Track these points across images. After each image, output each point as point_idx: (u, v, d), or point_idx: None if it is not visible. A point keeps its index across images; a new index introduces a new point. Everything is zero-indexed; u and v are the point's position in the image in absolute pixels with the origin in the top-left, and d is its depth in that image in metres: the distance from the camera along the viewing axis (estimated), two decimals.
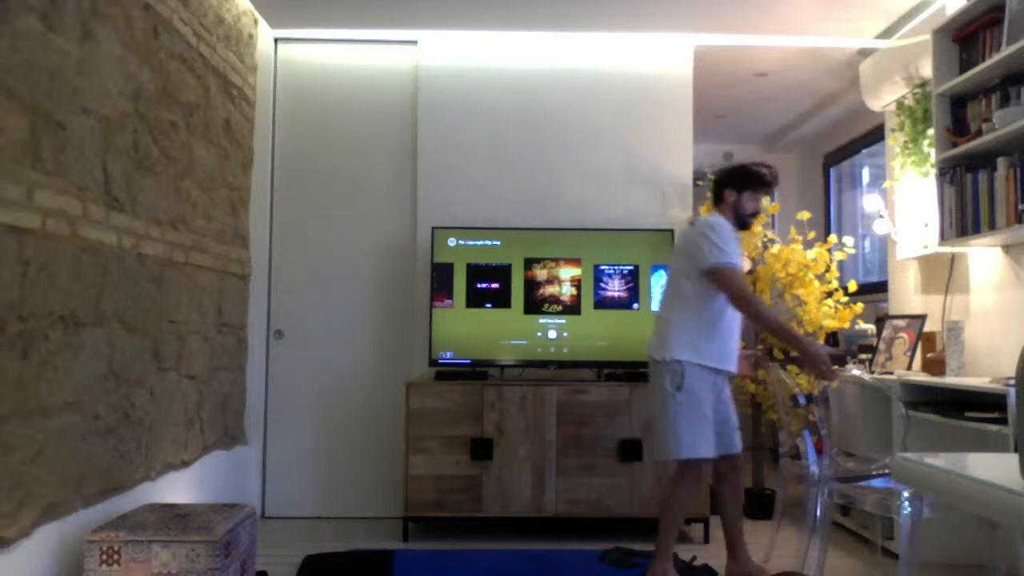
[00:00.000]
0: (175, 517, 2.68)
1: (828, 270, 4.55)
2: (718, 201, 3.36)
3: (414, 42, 4.65)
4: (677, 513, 3.21)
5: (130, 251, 2.90)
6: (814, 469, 3.36)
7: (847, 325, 4.56)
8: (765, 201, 4.66)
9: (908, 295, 4.50)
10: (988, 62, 3.31)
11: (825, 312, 4.47)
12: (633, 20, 4.37)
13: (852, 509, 4.16)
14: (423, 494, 3.97)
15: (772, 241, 4.63)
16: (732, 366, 3.28)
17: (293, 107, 4.67)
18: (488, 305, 4.30)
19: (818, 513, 3.32)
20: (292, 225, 4.63)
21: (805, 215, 4.80)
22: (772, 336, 3.62)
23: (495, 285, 4.31)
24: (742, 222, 3.33)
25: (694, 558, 3.66)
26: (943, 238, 3.64)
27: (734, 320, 3.26)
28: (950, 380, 3.54)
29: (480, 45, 4.65)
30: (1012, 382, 3.04)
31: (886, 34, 4.41)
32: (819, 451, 4.58)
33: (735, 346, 3.29)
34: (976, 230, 3.42)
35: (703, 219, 3.34)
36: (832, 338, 4.96)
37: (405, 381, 4.15)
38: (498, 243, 4.35)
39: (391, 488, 4.42)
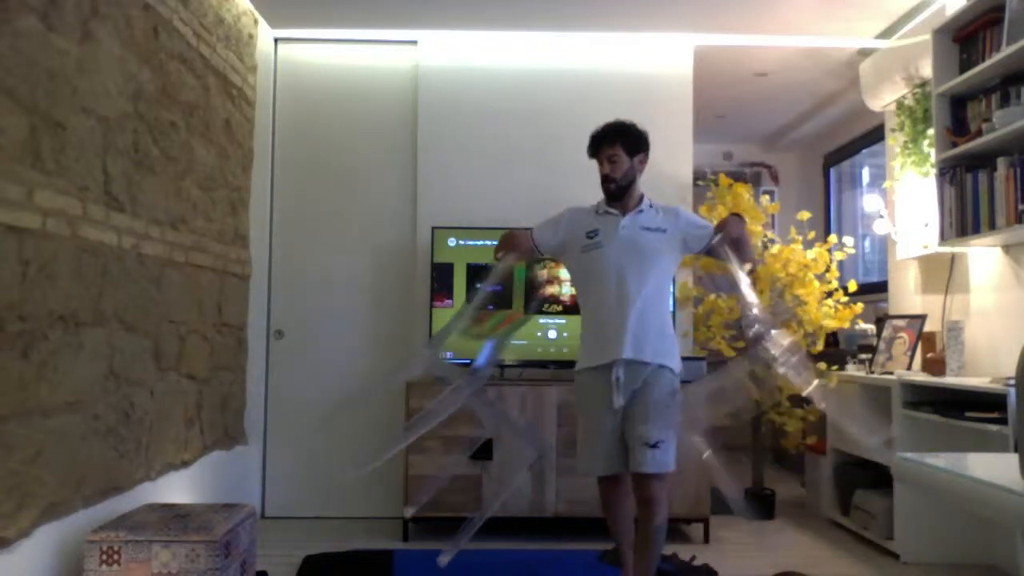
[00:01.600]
0: (175, 517, 2.68)
1: (828, 270, 4.55)
2: None
3: (414, 42, 4.65)
4: (611, 533, 2.98)
5: (130, 251, 2.89)
6: None
7: (847, 325, 4.56)
8: (765, 201, 4.71)
9: (908, 295, 4.50)
10: (988, 62, 3.31)
11: (825, 312, 4.48)
12: (633, 20, 4.37)
13: (852, 509, 4.16)
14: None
15: (772, 241, 4.63)
16: (624, 353, 2.75)
17: (293, 107, 4.67)
18: (488, 306, 4.30)
19: None
20: (292, 225, 4.62)
21: (805, 215, 4.80)
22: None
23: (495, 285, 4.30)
24: (606, 191, 3.03)
25: (693, 558, 3.66)
26: (943, 238, 3.64)
27: (616, 305, 2.80)
28: (950, 380, 3.54)
29: (480, 45, 4.64)
30: (1012, 382, 3.04)
31: (886, 34, 4.41)
32: (821, 451, 4.59)
33: (618, 331, 2.77)
34: (976, 230, 3.43)
35: None
36: (832, 338, 4.96)
37: (405, 381, 4.15)
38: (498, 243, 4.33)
39: (391, 488, 4.41)
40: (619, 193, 2.97)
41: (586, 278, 2.94)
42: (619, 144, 2.99)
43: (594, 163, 4.63)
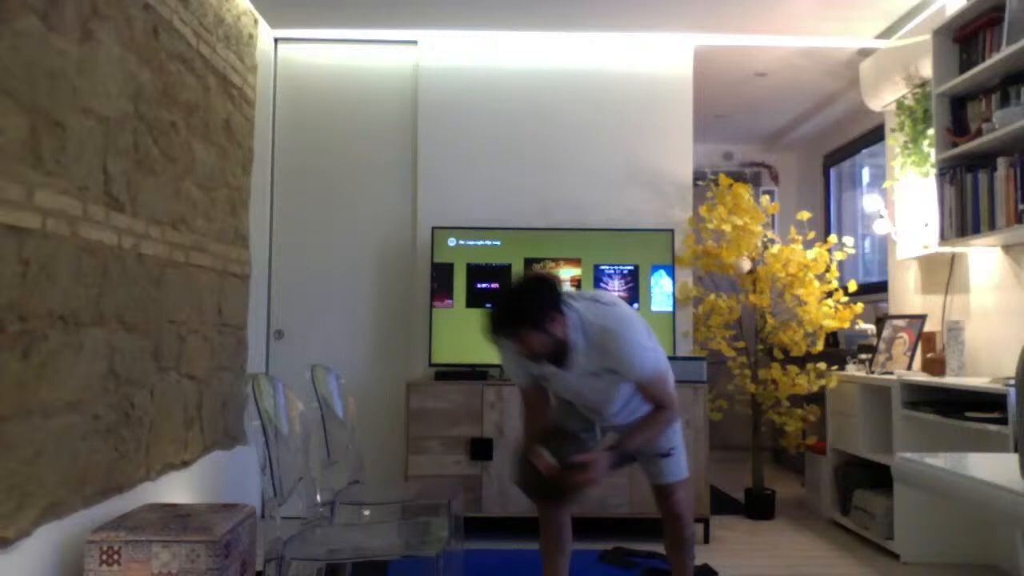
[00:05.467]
0: (175, 517, 2.68)
1: (828, 270, 4.55)
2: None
3: (414, 42, 4.65)
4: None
5: (130, 251, 2.89)
6: None
7: (847, 325, 4.56)
8: (765, 201, 4.71)
9: (908, 295, 4.50)
10: (988, 62, 3.31)
11: (825, 312, 4.48)
12: (633, 20, 4.37)
13: (852, 509, 4.16)
14: None
15: (772, 241, 4.63)
16: None
17: (293, 107, 4.67)
18: (488, 305, 4.28)
19: None
20: (292, 225, 4.63)
21: (805, 215, 4.80)
22: None
23: (495, 285, 4.31)
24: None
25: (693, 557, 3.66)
26: (943, 238, 3.64)
27: None
28: (950, 380, 3.54)
29: (480, 45, 4.64)
30: (1012, 382, 3.04)
31: (886, 34, 4.41)
32: (821, 451, 4.59)
33: None
34: (976, 230, 3.43)
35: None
36: (832, 338, 4.96)
37: (405, 381, 4.15)
38: (498, 243, 4.35)
39: (391, 488, 4.41)
40: (562, 359, 2.55)
41: None
42: (522, 333, 2.48)
43: (595, 164, 4.70)
